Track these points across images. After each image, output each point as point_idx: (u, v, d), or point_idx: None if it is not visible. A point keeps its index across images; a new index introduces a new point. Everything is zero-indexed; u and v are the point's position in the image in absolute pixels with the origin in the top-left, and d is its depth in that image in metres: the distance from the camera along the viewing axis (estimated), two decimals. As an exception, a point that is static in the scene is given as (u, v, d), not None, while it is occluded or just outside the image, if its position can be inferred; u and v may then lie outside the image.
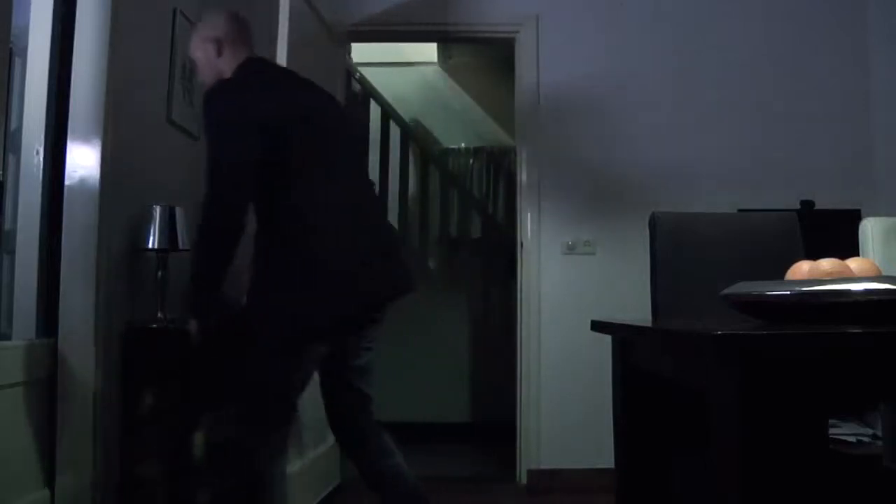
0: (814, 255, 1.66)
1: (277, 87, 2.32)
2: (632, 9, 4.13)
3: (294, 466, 3.02)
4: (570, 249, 4.01)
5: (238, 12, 2.46)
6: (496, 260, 5.69)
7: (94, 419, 2.54)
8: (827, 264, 1.57)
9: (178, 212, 2.91)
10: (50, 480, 2.45)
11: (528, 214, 4.03)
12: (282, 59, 2.94)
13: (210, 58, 2.36)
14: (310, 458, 3.29)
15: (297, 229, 2.16)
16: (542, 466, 3.90)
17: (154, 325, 2.86)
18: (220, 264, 2.13)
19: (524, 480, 3.91)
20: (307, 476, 3.24)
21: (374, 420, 2.42)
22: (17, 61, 2.56)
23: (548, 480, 3.85)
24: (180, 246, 2.89)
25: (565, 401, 3.90)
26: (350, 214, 2.21)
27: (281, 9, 2.98)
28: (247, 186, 2.14)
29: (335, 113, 2.42)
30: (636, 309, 2.70)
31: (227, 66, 2.32)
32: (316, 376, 2.35)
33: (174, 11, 3.21)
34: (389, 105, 5.93)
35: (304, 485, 3.19)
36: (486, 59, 6.49)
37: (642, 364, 1.89)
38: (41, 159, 2.57)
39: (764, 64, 4.09)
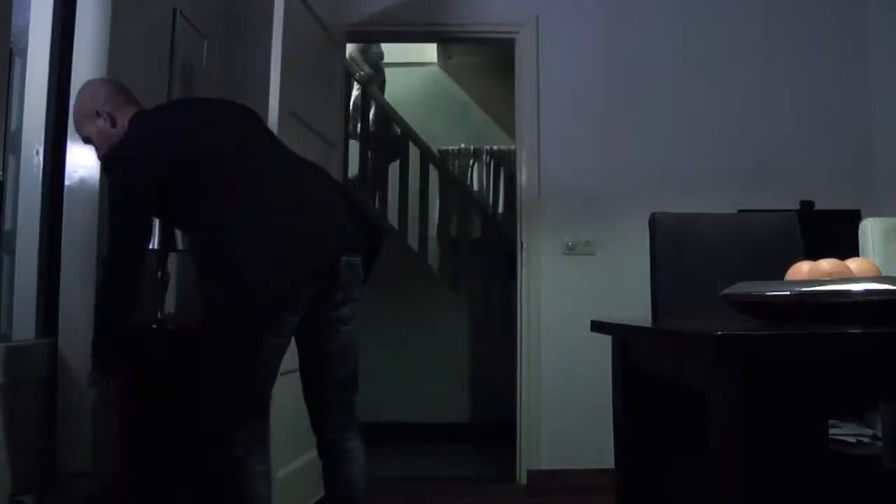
0: (814, 256, 1.66)
1: (166, 129, 2.36)
2: (631, 9, 4.13)
3: (288, 469, 3.02)
4: (570, 250, 4.01)
5: (108, 78, 2.52)
6: (496, 260, 5.70)
7: (93, 419, 2.54)
8: (827, 265, 1.57)
9: (178, 212, 2.91)
10: (49, 481, 2.45)
11: (529, 215, 4.02)
12: (277, 60, 2.93)
13: (104, 130, 2.37)
14: (303, 461, 3.28)
15: (215, 235, 2.20)
16: (542, 467, 3.90)
17: (153, 326, 2.86)
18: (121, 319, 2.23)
19: (524, 481, 3.91)
20: (301, 479, 3.23)
21: (347, 420, 2.35)
22: (17, 61, 2.56)
23: (548, 481, 3.85)
24: (179, 247, 2.89)
25: (565, 401, 3.90)
26: (270, 199, 2.22)
27: (275, 9, 2.97)
28: (143, 228, 2.29)
29: (233, 119, 2.42)
30: (636, 309, 2.70)
31: (122, 130, 2.35)
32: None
33: (174, 11, 3.22)
34: (389, 105, 5.93)
35: (298, 487, 3.18)
36: (486, 59, 6.50)
37: (642, 364, 1.89)
38: (41, 159, 2.57)
39: (764, 64, 4.10)
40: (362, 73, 5.67)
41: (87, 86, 2.43)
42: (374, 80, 5.77)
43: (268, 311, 2.14)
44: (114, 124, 2.36)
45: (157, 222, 2.83)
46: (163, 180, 2.21)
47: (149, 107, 2.44)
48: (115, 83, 2.45)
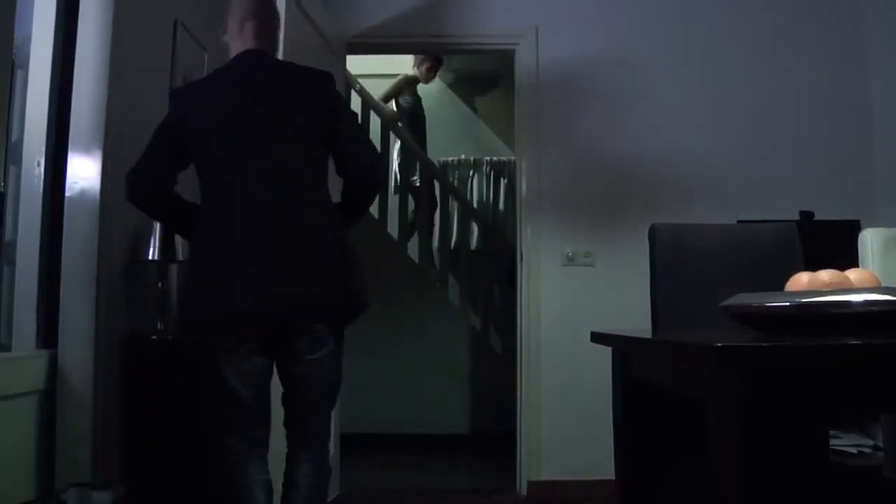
0: (813, 266, 1.66)
1: (203, 91, 2.36)
2: (630, 19, 4.14)
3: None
4: (570, 260, 4.01)
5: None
6: (496, 271, 5.70)
7: (93, 430, 2.54)
8: (826, 275, 1.57)
9: (179, 223, 2.91)
10: (50, 491, 2.44)
11: (528, 225, 4.03)
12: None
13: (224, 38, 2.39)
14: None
15: (197, 228, 2.26)
16: (543, 478, 3.89)
17: (154, 337, 2.86)
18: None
19: (524, 492, 3.90)
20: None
21: (300, 441, 2.27)
22: (18, 73, 2.57)
23: (548, 491, 3.84)
24: (179, 257, 2.90)
25: (565, 412, 3.90)
26: (247, 215, 2.15)
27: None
28: (153, 169, 2.27)
29: (263, 119, 2.24)
30: (636, 320, 2.70)
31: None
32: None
33: (175, 22, 3.23)
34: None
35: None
36: (486, 70, 6.51)
37: (642, 375, 1.89)
38: (42, 171, 2.57)
39: (763, 76, 4.11)
40: (408, 99, 5.75)
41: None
42: (417, 108, 5.83)
43: (195, 331, 2.22)
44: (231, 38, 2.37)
45: (155, 236, 2.84)
46: (176, 140, 2.26)
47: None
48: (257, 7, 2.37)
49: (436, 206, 5.97)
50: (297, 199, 2.20)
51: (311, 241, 2.18)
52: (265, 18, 2.38)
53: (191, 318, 2.21)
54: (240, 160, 2.18)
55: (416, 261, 5.60)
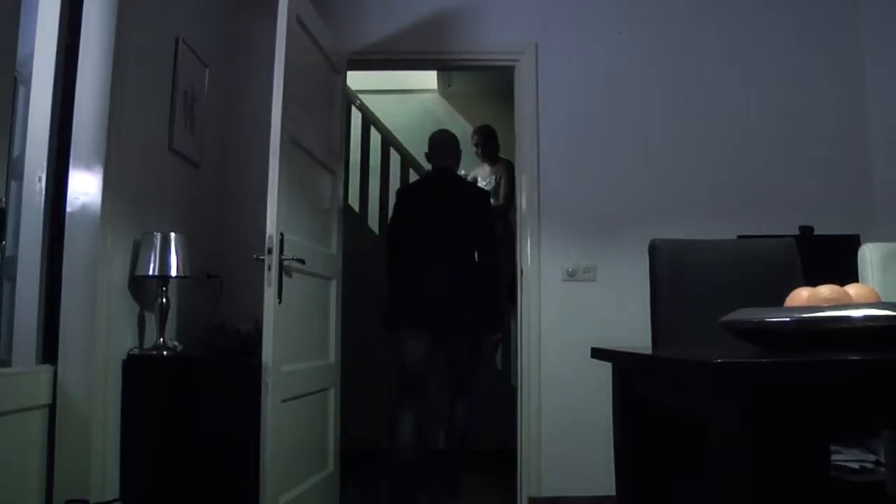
0: (813, 281, 1.67)
1: (418, 194, 3.96)
2: (630, 38, 4.17)
3: (290, 495, 3.00)
4: (571, 276, 4.01)
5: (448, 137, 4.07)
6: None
7: (93, 446, 2.53)
8: (826, 290, 1.57)
9: (179, 239, 2.92)
10: (48, 508, 2.44)
11: (529, 241, 4.03)
12: (279, 87, 2.96)
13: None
14: (309, 484, 3.27)
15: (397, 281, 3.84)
16: (543, 494, 3.87)
17: (154, 353, 2.86)
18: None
19: (525, 508, 3.88)
20: (306, 501, 3.21)
21: (455, 395, 3.82)
22: (21, 89, 2.58)
23: (549, 508, 3.83)
24: (180, 273, 2.90)
25: (566, 427, 3.89)
26: (423, 273, 3.70)
27: (278, 37, 3.00)
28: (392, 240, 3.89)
29: (442, 214, 3.76)
30: (637, 335, 2.69)
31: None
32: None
33: (177, 40, 3.25)
34: (390, 132, 5.97)
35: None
36: (485, 86, 6.54)
37: (643, 391, 1.89)
38: (43, 186, 2.58)
39: (763, 91, 4.13)
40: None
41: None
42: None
43: (394, 327, 3.77)
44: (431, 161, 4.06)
45: (155, 251, 2.85)
46: (396, 230, 3.85)
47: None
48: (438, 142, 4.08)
49: None
50: (458, 266, 3.71)
51: (464, 290, 3.67)
52: (447, 152, 4.00)
53: (398, 323, 3.72)
54: (429, 240, 3.72)
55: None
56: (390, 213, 3.96)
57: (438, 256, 3.68)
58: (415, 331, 3.64)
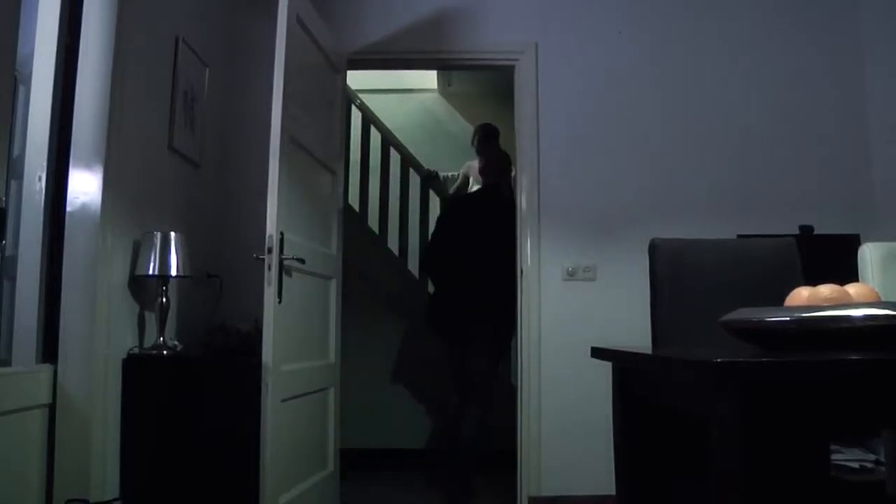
0: (813, 281, 1.67)
1: (464, 204, 4.70)
2: (630, 38, 4.17)
3: (290, 495, 3.00)
4: (571, 275, 4.01)
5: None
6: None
7: (93, 445, 2.53)
8: (826, 290, 1.57)
9: (179, 239, 2.92)
10: (48, 508, 2.44)
11: (529, 240, 4.03)
12: (279, 87, 2.96)
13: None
14: (309, 484, 3.27)
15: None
16: (543, 494, 3.87)
17: (154, 352, 2.86)
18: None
19: (525, 508, 3.89)
20: (306, 501, 3.21)
21: (467, 395, 4.23)
22: (21, 89, 2.58)
23: (549, 508, 3.83)
24: (180, 273, 2.90)
25: (566, 427, 3.88)
26: (463, 265, 4.27)
27: (278, 37, 2.99)
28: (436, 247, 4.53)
29: (479, 216, 4.35)
30: (637, 335, 2.69)
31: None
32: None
33: (177, 40, 3.25)
34: (390, 131, 5.96)
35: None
36: (485, 86, 6.54)
37: (642, 391, 1.89)
38: (43, 185, 2.58)
39: (763, 91, 4.13)
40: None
41: None
42: (462, 189, 5.87)
43: (440, 318, 4.42)
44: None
45: (155, 251, 2.85)
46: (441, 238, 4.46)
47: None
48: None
49: None
50: (496, 267, 4.19)
51: (503, 291, 4.11)
52: (491, 169, 4.49)
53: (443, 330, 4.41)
54: (472, 247, 4.24)
55: (417, 276, 5.60)
56: (434, 223, 4.61)
57: (485, 260, 4.22)
58: (459, 336, 4.24)
